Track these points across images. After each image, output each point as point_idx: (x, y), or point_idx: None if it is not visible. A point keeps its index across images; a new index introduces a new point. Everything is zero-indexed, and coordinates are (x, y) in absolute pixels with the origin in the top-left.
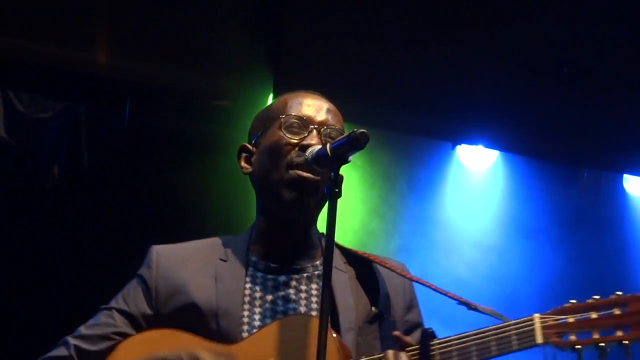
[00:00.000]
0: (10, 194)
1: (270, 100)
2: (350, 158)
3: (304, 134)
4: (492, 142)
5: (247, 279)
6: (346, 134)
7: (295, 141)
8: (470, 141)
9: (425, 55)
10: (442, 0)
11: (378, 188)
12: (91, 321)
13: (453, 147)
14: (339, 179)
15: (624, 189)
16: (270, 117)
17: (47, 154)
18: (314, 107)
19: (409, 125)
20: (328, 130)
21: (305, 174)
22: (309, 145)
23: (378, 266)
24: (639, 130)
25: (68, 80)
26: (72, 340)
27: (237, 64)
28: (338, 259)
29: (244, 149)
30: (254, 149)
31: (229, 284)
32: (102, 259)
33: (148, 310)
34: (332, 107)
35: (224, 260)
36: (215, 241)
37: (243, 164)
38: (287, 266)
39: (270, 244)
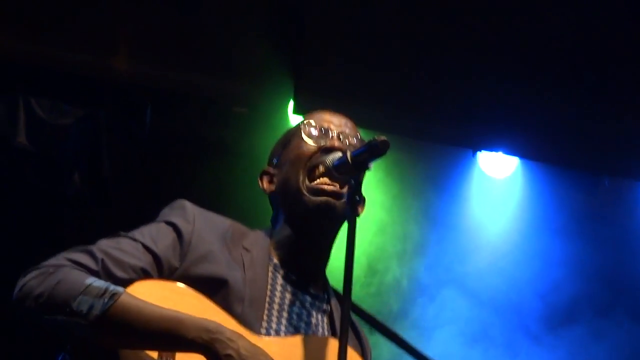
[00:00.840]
0: (32, 200)
1: (290, 107)
2: (371, 165)
3: (325, 139)
4: (512, 149)
5: (269, 279)
6: (366, 141)
7: (317, 146)
8: (491, 148)
9: (446, 63)
10: (464, 9)
11: (399, 195)
12: (113, 242)
13: (474, 154)
14: (359, 187)
15: None
16: (289, 135)
17: (68, 161)
18: (333, 119)
19: (429, 132)
20: (347, 138)
21: (326, 185)
22: (332, 147)
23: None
24: None
25: (89, 86)
26: (99, 254)
27: (257, 71)
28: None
29: (264, 172)
30: (275, 169)
31: (255, 275)
32: None
33: (175, 262)
34: (350, 121)
35: (247, 250)
36: (236, 225)
37: (265, 185)
38: (303, 284)
39: (291, 255)
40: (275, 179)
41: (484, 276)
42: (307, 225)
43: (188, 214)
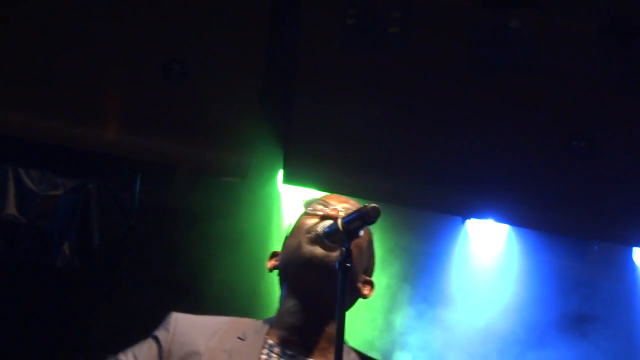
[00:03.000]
0: (22, 271)
1: (280, 176)
2: (361, 233)
3: (325, 211)
4: (501, 216)
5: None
6: (357, 208)
7: (317, 216)
8: (480, 215)
9: (435, 130)
10: (453, 77)
11: (387, 264)
12: None
13: (463, 222)
14: (350, 254)
15: (634, 262)
16: (295, 220)
17: (58, 231)
18: (335, 197)
19: (418, 199)
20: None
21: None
22: (329, 216)
23: None
24: None
25: (78, 157)
26: None
27: (246, 141)
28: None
29: (274, 254)
30: (282, 249)
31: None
32: (114, 336)
33: None
34: (353, 201)
35: (241, 339)
36: (235, 320)
37: (271, 262)
38: (302, 355)
39: (288, 329)
40: (279, 257)
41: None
42: (305, 279)
43: (169, 324)
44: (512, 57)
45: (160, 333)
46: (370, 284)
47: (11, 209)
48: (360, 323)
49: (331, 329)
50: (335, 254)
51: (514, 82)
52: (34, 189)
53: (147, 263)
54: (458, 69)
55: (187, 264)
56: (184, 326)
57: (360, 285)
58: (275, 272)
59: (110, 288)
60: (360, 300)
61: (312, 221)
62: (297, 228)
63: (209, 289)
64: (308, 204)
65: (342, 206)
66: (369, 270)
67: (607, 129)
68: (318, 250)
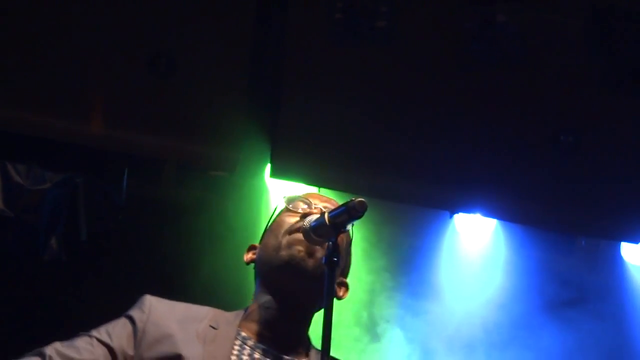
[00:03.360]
0: (8, 265)
1: (267, 170)
2: (348, 227)
3: (307, 211)
4: (489, 211)
5: (234, 351)
6: (344, 202)
7: (298, 214)
8: (467, 210)
9: (423, 125)
10: (441, 71)
11: (375, 258)
12: (67, 342)
13: (451, 216)
14: (337, 248)
15: (622, 257)
16: (274, 215)
17: (45, 226)
18: (318, 197)
19: (405, 194)
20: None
21: (302, 240)
22: (311, 214)
23: None
24: (636, 198)
25: (65, 151)
26: (48, 352)
27: (234, 135)
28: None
29: (251, 247)
30: (260, 244)
31: (217, 349)
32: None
33: (130, 351)
34: (334, 201)
35: (214, 328)
36: (207, 309)
37: (248, 256)
38: (275, 353)
39: (262, 324)
40: (257, 251)
41: (457, 340)
42: (281, 281)
43: (144, 304)
44: (499, 52)
45: (135, 313)
46: (345, 286)
47: None
48: (344, 318)
49: (303, 328)
50: (312, 261)
51: (502, 77)
52: (21, 183)
53: (135, 257)
54: (445, 64)
55: (174, 257)
56: (159, 309)
57: (336, 287)
58: (252, 265)
59: (97, 282)
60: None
61: (293, 219)
62: (277, 225)
63: (196, 283)
64: (289, 201)
65: (323, 205)
66: (345, 272)
67: (595, 124)
68: (297, 254)
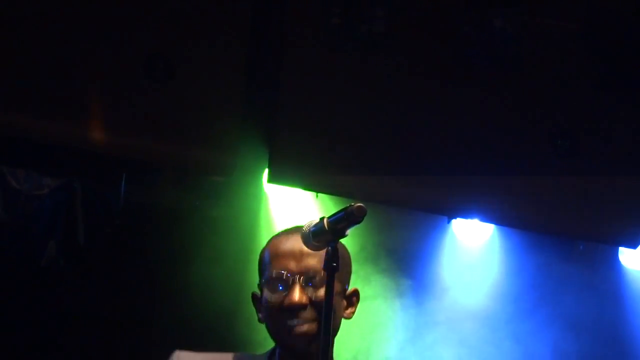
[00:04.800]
0: (7, 271)
1: (265, 175)
2: (348, 232)
3: (286, 291)
4: (487, 216)
5: None
6: (343, 208)
7: (281, 301)
8: (465, 215)
9: (422, 130)
10: (440, 76)
11: (373, 263)
12: None
13: (449, 221)
14: (336, 253)
15: (620, 262)
16: (261, 268)
17: (43, 231)
18: (291, 255)
19: (404, 199)
20: (309, 276)
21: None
22: (292, 305)
23: None
24: (634, 203)
25: (63, 156)
26: None
27: (231, 140)
28: None
29: (254, 297)
30: (260, 295)
31: None
32: (100, 337)
33: None
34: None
35: None
36: (237, 356)
37: (260, 315)
38: None
39: None
40: (260, 307)
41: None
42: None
43: None
44: (496, 57)
45: None
46: (352, 299)
47: None
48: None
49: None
50: (315, 346)
51: (499, 81)
52: (19, 188)
53: (132, 262)
54: (442, 68)
55: (172, 262)
56: None
57: (344, 303)
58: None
59: (95, 287)
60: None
61: (277, 295)
62: (268, 306)
63: (193, 288)
64: (263, 275)
65: (299, 271)
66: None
67: (591, 128)
68: (302, 342)
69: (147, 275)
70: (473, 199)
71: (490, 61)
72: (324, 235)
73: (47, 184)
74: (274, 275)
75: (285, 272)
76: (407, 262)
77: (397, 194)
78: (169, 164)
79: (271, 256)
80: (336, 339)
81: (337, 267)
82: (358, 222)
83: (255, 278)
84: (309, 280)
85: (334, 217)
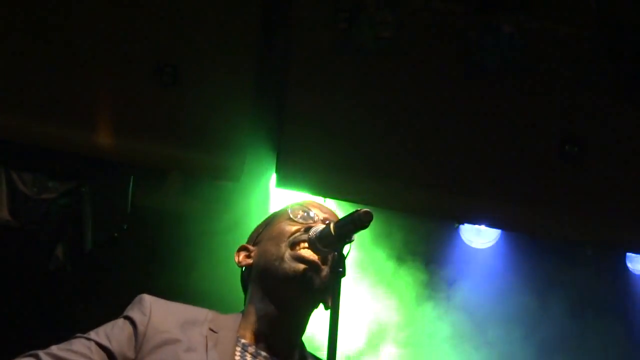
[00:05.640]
0: (14, 275)
1: (272, 180)
2: (354, 237)
3: (310, 220)
4: (495, 221)
5: (236, 357)
6: (349, 213)
7: (301, 225)
8: (473, 220)
9: (430, 135)
10: (449, 81)
11: (382, 268)
12: (65, 345)
13: (457, 226)
14: (342, 258)
15: (628, 267)
16: (274, 216)
17: (51, 235)
18: (320, 207)
19: (412, 204)
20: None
21: (308, 254)
22: (313, 226)
23: None
24: None
25: (71, 161)
26: (43, 356)
27: (239, 144)
28: None
29: (242, 248)
30: (255, 246)
31: (219, 356)
32: None
33: (130, 355)
34: (335, 215)
35: (214, 332)
36: (206, 311)
37: (241, 258)
38: (275, 358)
39: (262, 331)
40: (253, 254)
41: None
42: (285, 294)
43: (145, 307)
44: (505, 63)
45: (135, 314)
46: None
47: (4, 212)
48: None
49: (301, 334)
50: (319, 278)
51: (507, 86)
52: (27, 193)
53: (140, 266)
54: (451, 73)
55: (179, 267)
56: (159, 311)
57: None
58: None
59: (103, 292)
60: (352, 301)
61: (294, 228)
62: (279, 234)
63: (200, 293)
64: (292, 210)
65: (324, 217)
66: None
67: (600, 133)
68: (301, 268)
69: (155, 279)
70: (481, 204)
71: (499, 66)
72: (330, 240)
73: (55, 188)
74: (296, 211)
75: (310, 210)
76: (416, 267)
77: (406, 199)
78: (176, 169)
79: (294, 205)
80: (340, 340)
81: (343, 272)
82: (364, 227)
83: None
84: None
85: (340, 222)
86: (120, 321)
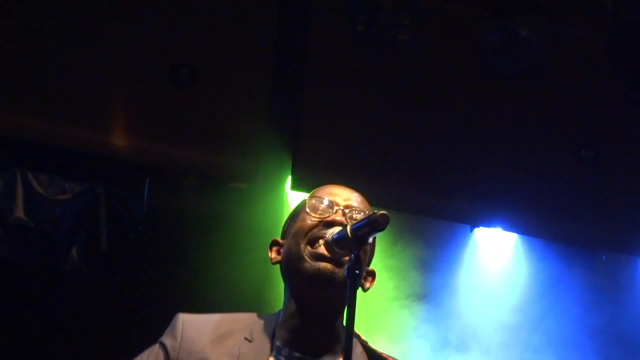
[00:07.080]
0: (29, 276)
1: (288, 182)
2: (371, 240)
3: (329, 213)
4: (510, 225)
5: None
6: (366, 215)
7: (319, 219)
8: (488, 224)
9: (446, 139)
10: (464, 86)
11: (396, 270)
12: None
13: (471, 230)
14: (359, 261)
15: None
16: (298, 209)
17: (66, 236)
18: (340, 193)
19: (427, 207)
20: (353, 212)
21: (325, 252)
22: (333, 222)
23: None
24: None
25: (87, 161)
26: None
27: (255, 146)
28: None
29: (274, 242)
30: (283, 240)
31: None
32: (122, 341)
33: None
34: (359, 195)
35: (249, 340)
36: (242, 318)
37: (273, 255)
38: (309, 357)
39: (295, 331)
40: (282, 250)
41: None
42: (308, 292)
43: (176, 330)
44: (520, 66)
45: (167, 340)
46: (372, 275)
47: (19, 212)
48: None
49: (335, 328)
50: (338, 270)
51: (523, 90)
52: (43, 193)
53: (155, 268)
54: (467, 77)
55: (194, 269)
56: (191, 330)
57: (362, 280)
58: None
59: (117, 293)
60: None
61: (313, 223)
62: (298, 229)
63: (216, 295)
64: (309, 201)
65: (345, 204)
66: (369, 262)
67: (616, 138)
68: (322, 266)
69: (170, 280)
70: (496, 208)
71: (515, 70)
72: (347, 242)
73: (70, 189)
74: (318, 198)
75: (330, 200)
76: (430, 270)
77: (421, 203)
78: (192, 170)
79: (316, 192)
80: None
81: (360, 274)
82: (381, 230)
83: (276, 284)
84: (351, 214)
85: (357, 225)
86: (155, 348)
